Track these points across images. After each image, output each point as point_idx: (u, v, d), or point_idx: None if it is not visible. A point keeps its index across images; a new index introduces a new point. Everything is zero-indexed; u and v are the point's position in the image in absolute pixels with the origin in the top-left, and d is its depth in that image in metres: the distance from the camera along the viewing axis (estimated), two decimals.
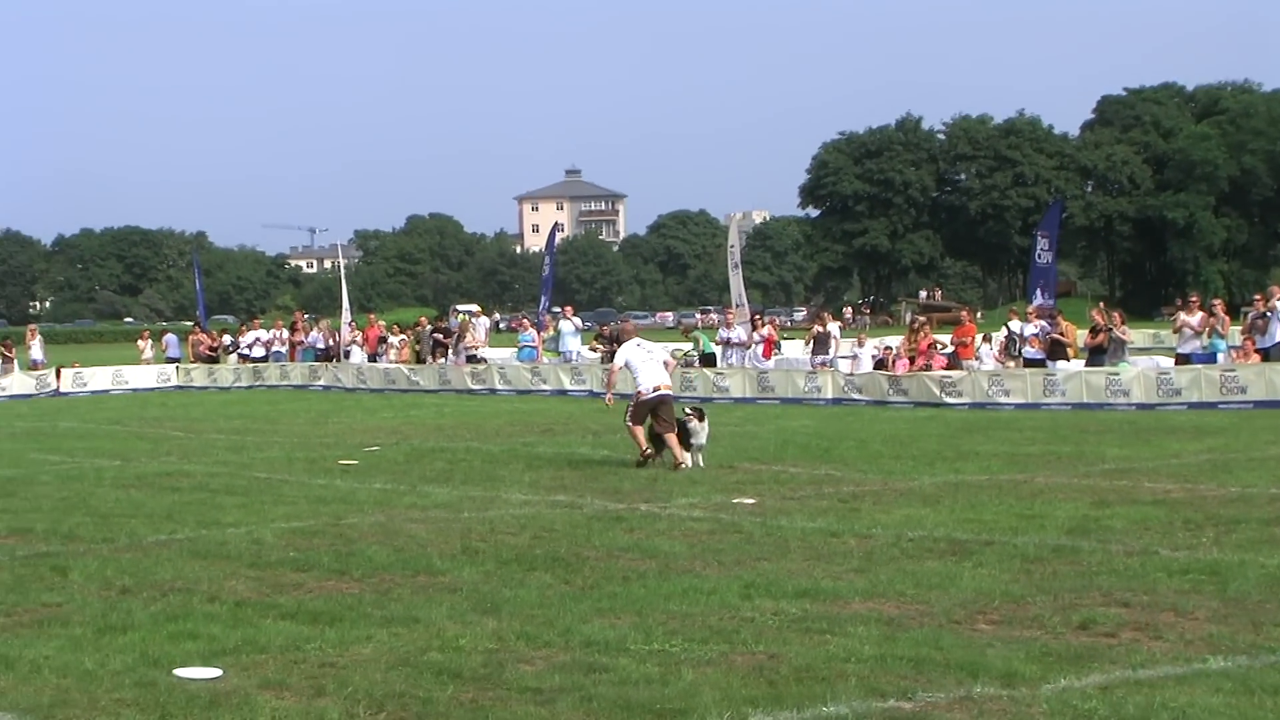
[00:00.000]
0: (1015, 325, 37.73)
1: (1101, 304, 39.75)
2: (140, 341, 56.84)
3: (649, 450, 21.18)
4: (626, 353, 22.43)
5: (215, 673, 9.35)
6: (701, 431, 21.21)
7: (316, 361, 48.82)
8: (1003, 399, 32.84)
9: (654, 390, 21.43)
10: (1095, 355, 34.44)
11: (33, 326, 62.65)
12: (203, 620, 10.90)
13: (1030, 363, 35.14)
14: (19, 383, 47.91)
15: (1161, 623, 10.43)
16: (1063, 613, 10.73)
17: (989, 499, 16.95)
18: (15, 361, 50.31)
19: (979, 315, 72.76)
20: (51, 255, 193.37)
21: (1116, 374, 32.38)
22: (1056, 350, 35.02)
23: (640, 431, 21.39)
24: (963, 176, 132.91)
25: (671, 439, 21.08)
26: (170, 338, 57.48)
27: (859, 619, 10.61)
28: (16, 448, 26.58)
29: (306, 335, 51.44)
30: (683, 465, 20.67)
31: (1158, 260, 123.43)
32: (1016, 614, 10.78)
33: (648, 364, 21.89)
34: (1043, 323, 35.70)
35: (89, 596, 12.00)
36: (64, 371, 49.20)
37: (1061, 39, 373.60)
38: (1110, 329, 34.74)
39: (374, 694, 8.76)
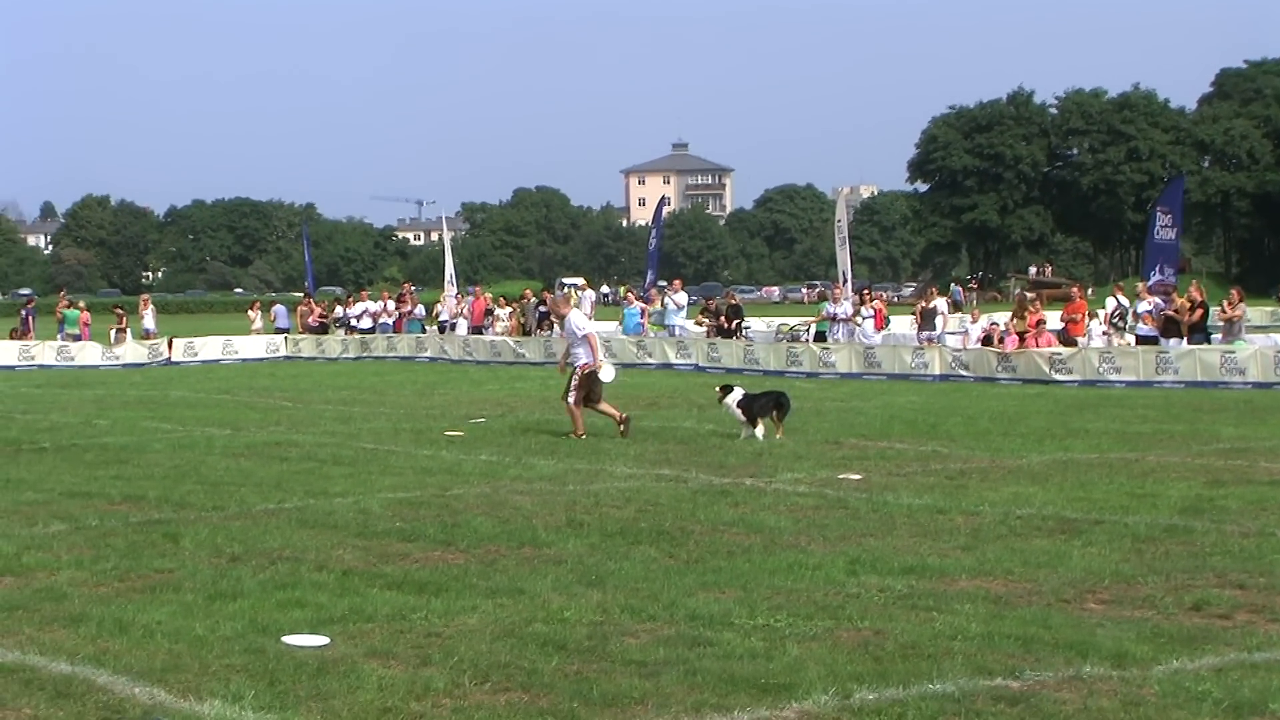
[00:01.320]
0: (1121, 300, 37.27)
1: (1195, 282, 39.03)
2: (250, 312, 57.54)
3: (625, 417, 22.16)
4: (592, 324, 23.60)
5: (323, 640, 9.43)
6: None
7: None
8: (1114, 376, 32.42)
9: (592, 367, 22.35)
10: (1193, 332, 33.91)
11: (145, 296, 63.52)
12: (310, 589, 10.99)
13: (1143, 340, 34.64)
14: (132, 351, 48.67)
15: (1278, 605, 10.23)
16: (1175, 593, 10.56)
17: (1099, 477, 16.73)
18: (129, 331, 51.11)
19: (1090, 292, 71.79)
20: (164, 226, 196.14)
21: (1232, 352, 31.85)
22: (1171, 328, 34.47)
23: (578, 411, 22.08)
24: (1075, 151, 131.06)
25: (606, 406, 22.26)
26: (279, 309, 58.12)
27: (966, 596, 10.51)
28: (129, 416, 26.99)
29: (414, 307, 51.82)
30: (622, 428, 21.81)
31: (1277, 237, 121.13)
32: (1127, 594, 10.62)
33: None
34: (1156, 299, 35.17)
35: (200, 563, 12.14)
36: (175, 341, 49.90)
37: (1179, 10, 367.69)
38: (1206, 305, 34.25)
39: (479, 664, 8.79)
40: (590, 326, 23.43)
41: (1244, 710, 7.73)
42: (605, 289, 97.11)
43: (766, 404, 21.51)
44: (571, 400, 22.20)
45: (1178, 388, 30.98)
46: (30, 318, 52.24)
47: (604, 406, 22.35)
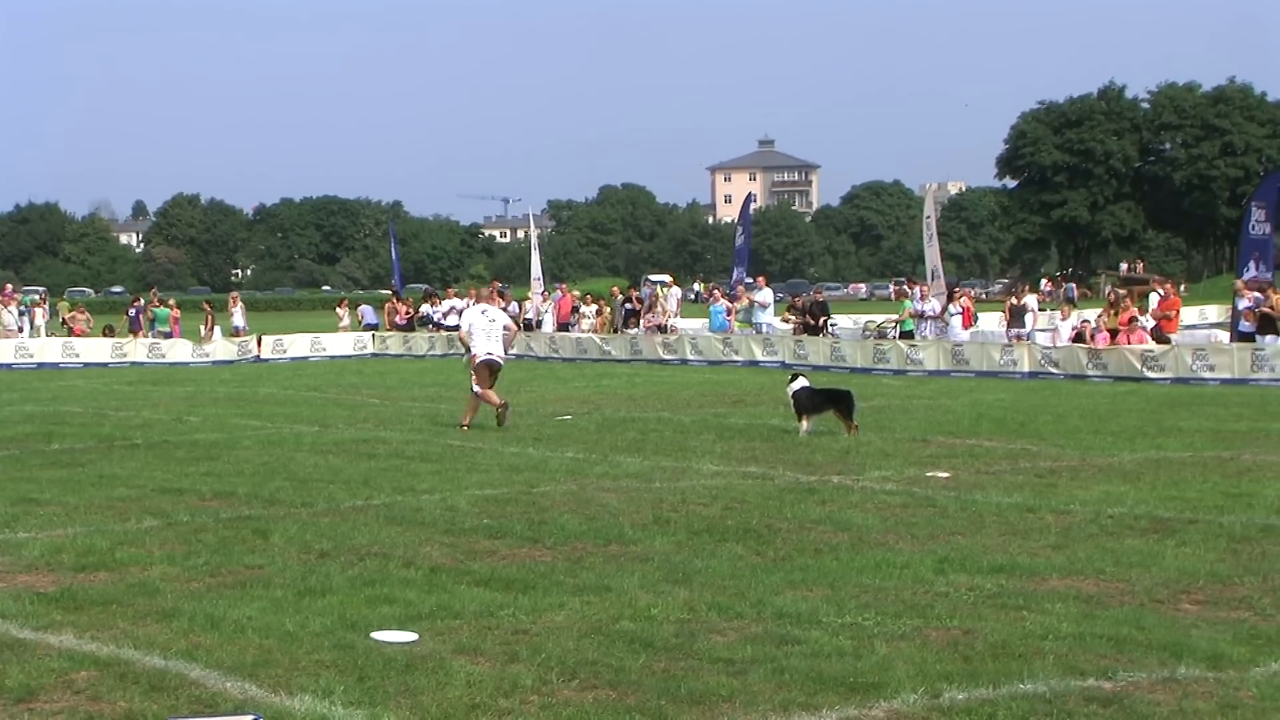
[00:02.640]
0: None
1: None
2: (338, 309, 57.99)
3: (503, 402, 23.47)
4: (470, 317, 24.53)
5: (411, 637, 9.47)
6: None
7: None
8: (1207, 374, 32.00)
9: (486, 355, 23.62)
10: (1265, 325, 33.46)
11: (235, 294, 64.21)
12: (399, 585, 11.04)
13: (1242, 336, 34.18)
14: (222, 349, 49.20)
15: None
16: (1273, 594, 10.40)
17: (1193, 476, 16.51)
18: (217, 328, 51.58)
19: (1182, 288, 70.92)
20: (253, 224, 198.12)
21: None
22: (1266, 325, 33.98)
23: (492, 393, 23.49)
24: (1167, 146, 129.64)
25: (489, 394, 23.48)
26: (365, 308, 58.49)
27: (1057, 596, 10.40)
28: (219, 412, 27.27)
29: (508, 305, 52.01)
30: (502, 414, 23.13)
31: None
32: (1223, 594, 10.47)
33: (487, 331, 23.84)
34: (1256, 294, 34.68)
35: (289, 559, 12.23)
36: (264, 338, 50.38)
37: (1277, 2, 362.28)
38: None
39: (566, 661, 8.79)
40: (463, 323, 25.12)
41: None
42: (697, 286, 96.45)
43: (821, 401, 21.55)
44: (479, 390, 23.57)
45: (1274, 385, 30.53)
46: (139, 315, 52.71)
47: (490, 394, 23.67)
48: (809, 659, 8.78)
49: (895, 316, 45.72)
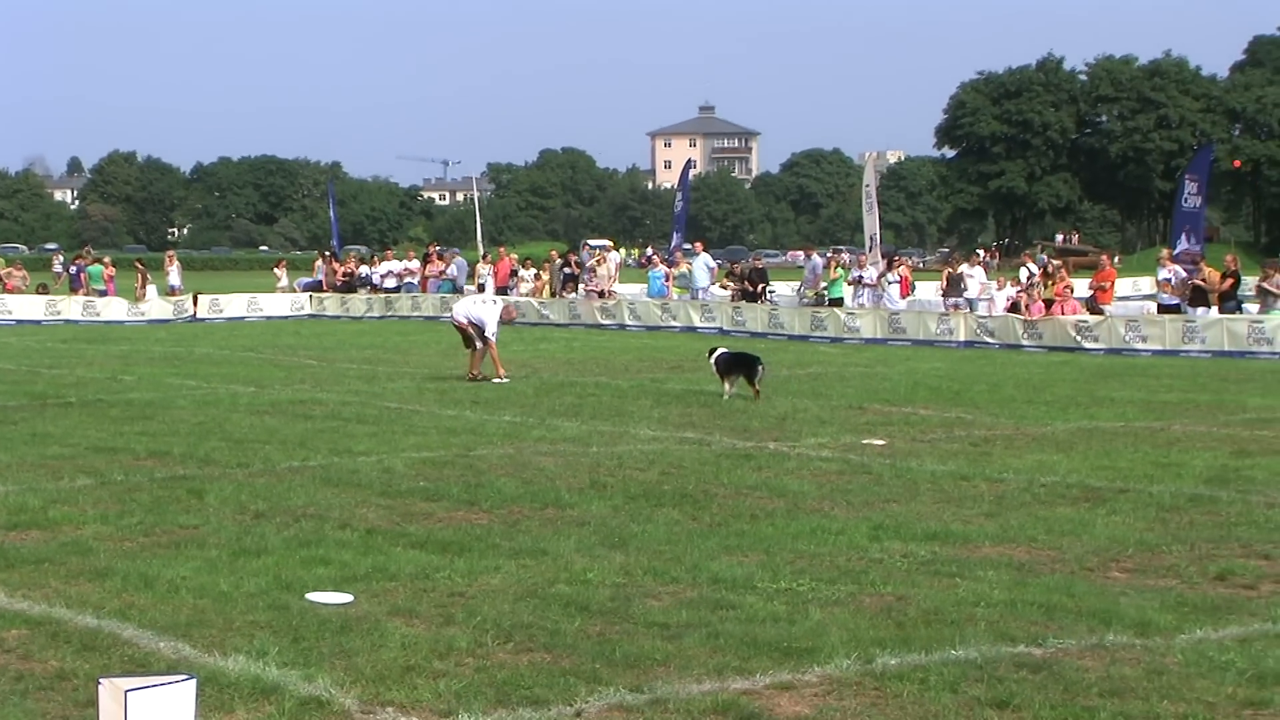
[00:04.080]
0: (1031, 268, 37.99)
1: (1231, 254, 38.90)
2: (276, 270, 57.58)
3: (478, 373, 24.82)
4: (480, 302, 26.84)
5: (347, 598, 9.46)
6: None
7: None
8: (1140, 345, 32.32)
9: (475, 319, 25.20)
10: (1223, 301, 33.83)
11: (171, 253, 63.56)
12: (334, 547, 11.03)
13: (1165, 309, 34.51)
14: (157, 308, 48.78)
15: None
16: (1199, 563, 10.54)
17: (1124, 446, 16.69)
18: (152, 286, 50.99)
19: (1117, 260, 71.40)
20: (190, 183, 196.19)
21: (1260, 322, 31.72)
22: (1198, 297, 34.33)
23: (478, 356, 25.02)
24: (1104, 118, 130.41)
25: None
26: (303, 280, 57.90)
27: (989, 563, 10.51)
28: (154, 372, 27.07)
29: (447, 267, 51.91)
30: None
31: None
32: (1151, 563, 10.61)
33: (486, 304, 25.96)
34: (1177, 267, 35.01)
35: (224, 520, 12.19)
36: (200, 298, 50.00)
37: None
38: (1239, 274, 34.18)
39: (502, 624, 8.81)
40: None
41: (1267, 680, 7.71)
42: (650, 252, 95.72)
43: (736, 365, 22.34)
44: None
45: (1204, 357, 30.87)
46: (80, 274, 51.97)
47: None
48: (744, 624, 8.83)
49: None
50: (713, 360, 22.58)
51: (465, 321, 25.30)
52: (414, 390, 23.56)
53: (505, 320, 25.77)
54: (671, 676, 7.80)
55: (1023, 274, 41.10)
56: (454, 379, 25.46)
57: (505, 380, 24.46)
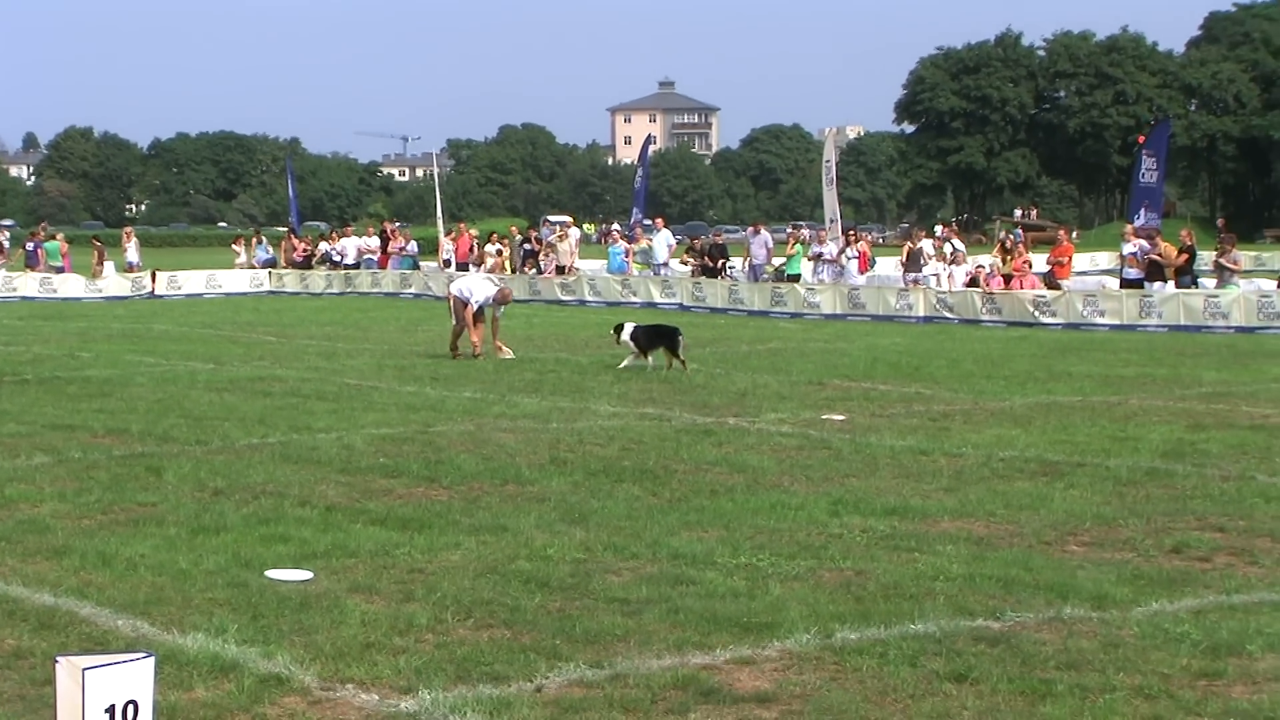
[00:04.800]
0: (957, 244, 38.35)
1: (1187, 229, 39.15)
2: (234, 245, 57.23)
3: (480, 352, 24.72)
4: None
5: (306, 575, 9.44)
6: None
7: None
8: (1098, 320, 32.47)
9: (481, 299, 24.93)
10: (1179, 275, 34.07)
11: (129, 229, 62.87)
12: (294, 524, 11.00)
13: (1129, 283, 34.69)
14: (115, 284, 48.48)
15: (1257, 548, 10.30)
16: (1155, 536, 10.62)
17: (1082, 420, 16.79)
18: (110, 263, 50.60)
19: (1075, 235, 71.73)
20: (147, 159, 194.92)
21: (1216, 297, 31.92)
22: (1154, 272, 34.52)
23: (476, 332, 24.85)
24: (1062, 94, 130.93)
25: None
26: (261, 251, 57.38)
27: (948, 538, 10.55)
28: (113, 349, 26.92)
29: (407, 243, 51.79)
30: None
31: (1262, 182, 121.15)
32: (1108, 536, 10.68)
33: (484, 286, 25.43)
34: (1141, 242, 35.19)
35: (183, 497, 12.14)
36: (159, 274, 49.68)
37: None
38: (1194, 249, 34.48)
39: (462, 600, 8.81)
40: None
41: (1221, 651, 7.77)
42: (615, 228, 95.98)
43: (655, 339, 22.71)
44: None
45: (1161, 331, 31.05)
46: (38, 249, 51.42)
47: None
48: (704, 599, 8.85)
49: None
50: (628, 336, 22.76)
51: (459, 296, 24.89)
52: (374, 367, 23.50)
53: (501, 301, 25.18)
54: (631, 652, 7.81)
55: (947, 248, 41.46)
56: (414, 355, 25.41)
57: (509, 355, 24.72)
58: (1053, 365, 23.55)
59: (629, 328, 23.11)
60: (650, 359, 22.52)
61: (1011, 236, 43.22)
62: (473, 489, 12.60)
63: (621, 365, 22.56)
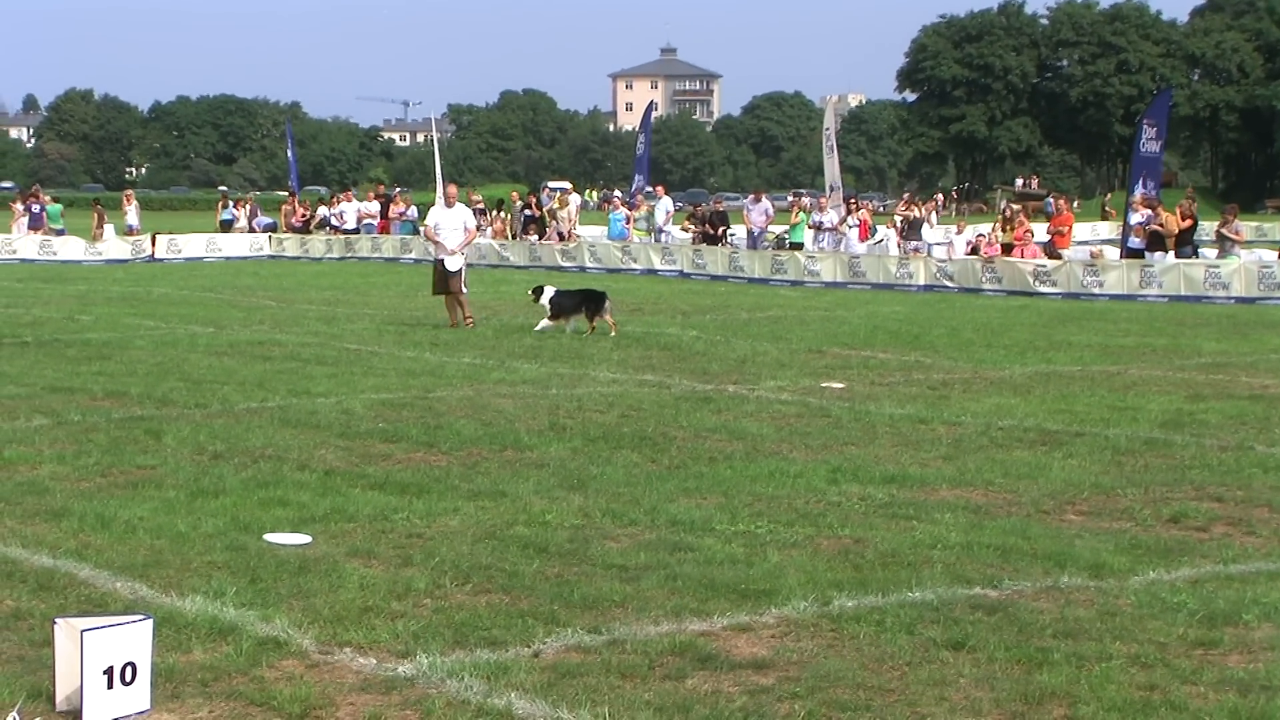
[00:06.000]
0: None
1: (1189, 201, 39.05)
2: (235, 209, 57.09)
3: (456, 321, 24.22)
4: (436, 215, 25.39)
5: (305, 539, 9.45)
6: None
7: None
8: (1097, 290, 32.46)
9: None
10: (1180, 245, 34.08)
11: (129, 192, 62.72)
12: (293, 488, 11.01)
13: (1133, 253, 34.66)
14: (115, 247, 48.38)
15: (1255, 518, 10.31)
16: (1153, 506, 10.63)
17: (1081, 390, 16.79)
18: (110, 226, 50.49)
19: (1076, 204, 71.65)
20: (148, 122, 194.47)
21: (1216, 267, 31.90)
22: (1155, 241, 34.50)
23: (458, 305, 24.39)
24: (1065, 63, 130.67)
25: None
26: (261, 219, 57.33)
27: (946, 506, 10.56)
28: (112, 312, 26.91)
29: (408, 208, 51.69)
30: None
31: (1264, 151, 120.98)
32: (1106, 506, 10.69)
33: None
34: (1147, 211, 35.16)
35: (182, 461, 12.14)
36: (159, 238, 49.60)
37: None
38: (1196, 218, 34.49)
39: (460, 565, 8.82)
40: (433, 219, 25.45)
41: (1218, 621, 7.79)
42: (616, 194, 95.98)
43: (576, 303, 22.94)
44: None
45: (1161, 301, 31.05)
46: (42, 212, 51.29)
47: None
48: (702, 566, 8.86)
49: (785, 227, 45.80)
50: (547, 300, 22.91)
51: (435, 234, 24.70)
52: (373, 332, 23.50)
53: (465, 246, 24.97)
54: (629, 618, 7.82)
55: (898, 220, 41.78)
56: (414, 320, 25.41)
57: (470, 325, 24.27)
58: (1052, 334, 23.56)
59: (549, 291, 23.20)
60: (572, 323, 22.67)
61: (1011, 206, 43.18)
62: (471, 454, 12.60)
63: (537, 328, 22.77)
